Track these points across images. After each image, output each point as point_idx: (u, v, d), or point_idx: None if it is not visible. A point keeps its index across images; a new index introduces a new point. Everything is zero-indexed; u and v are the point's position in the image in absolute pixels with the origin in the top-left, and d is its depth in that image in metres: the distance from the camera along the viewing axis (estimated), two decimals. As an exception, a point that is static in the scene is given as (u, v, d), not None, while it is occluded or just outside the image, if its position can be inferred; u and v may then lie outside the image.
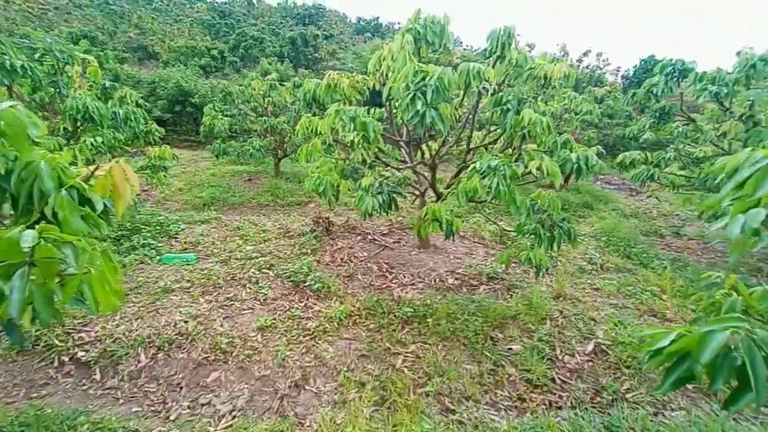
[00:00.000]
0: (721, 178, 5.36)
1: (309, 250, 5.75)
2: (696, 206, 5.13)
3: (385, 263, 5.40)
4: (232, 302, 4.29)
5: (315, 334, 3.81)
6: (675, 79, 5.60)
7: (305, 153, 4.62)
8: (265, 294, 4.46)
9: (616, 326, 4.07)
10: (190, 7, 46.24)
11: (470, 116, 4.26)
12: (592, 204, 9.94)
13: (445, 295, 4.58)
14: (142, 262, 5.19)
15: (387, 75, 4.03)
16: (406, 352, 3.65)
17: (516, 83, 3.85)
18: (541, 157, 3.29)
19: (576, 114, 10.32)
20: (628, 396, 3.29)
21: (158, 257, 5.34)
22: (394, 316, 4.08)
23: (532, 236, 3.73)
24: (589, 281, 5.27)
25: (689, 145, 7.22)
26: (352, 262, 5.45)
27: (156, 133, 6.70)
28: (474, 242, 6.60)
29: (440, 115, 3.10)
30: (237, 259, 5.38)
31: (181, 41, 22.09)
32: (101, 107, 4.65)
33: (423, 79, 3.15)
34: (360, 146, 3.77)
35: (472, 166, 3.19)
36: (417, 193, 5.74)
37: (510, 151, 4.33)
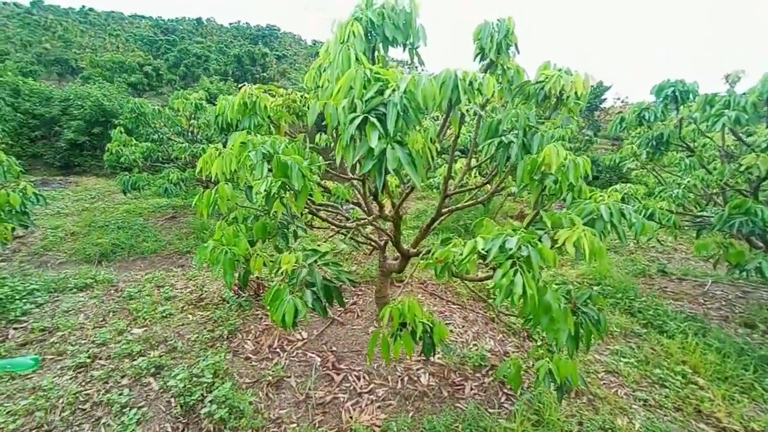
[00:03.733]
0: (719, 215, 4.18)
1: (225, 333, 4.06)
2: (723, 254, 4.13)
3: (332, 351, 3.85)
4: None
5: None
6: (674, 102, 4.76)
7: (207, 203, 3.02)
8: (128, 438, 2.73)
9: (669, 455, 2.81)
10: (130, 23, 43.03)
11: (451, 149, 2.93)
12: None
13: (420, 409, 3.11)
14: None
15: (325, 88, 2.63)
16: None
17: (516, 102, 2.60)
18: (570, 221, 1.99)
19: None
20: None
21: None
22: (342, 471, 2.53)
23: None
24: (599, 358, 4.05)
25: (673, 174, 6.51)
26: (284, 350, 3.83)
27: (11, 165, 4.75)
28: (447, 301, 5.24)
29: (411, 157, 1.72)
30: (105, 358, 3.57)
31: (108, 56, 19.53)
32: None
33: (380, 93, 1.78)
34: (277, 199, 2.29)
35: (470, 245, 1.81)
36: (374, 245, 4.33)
37: (501, 197, 3.06)
